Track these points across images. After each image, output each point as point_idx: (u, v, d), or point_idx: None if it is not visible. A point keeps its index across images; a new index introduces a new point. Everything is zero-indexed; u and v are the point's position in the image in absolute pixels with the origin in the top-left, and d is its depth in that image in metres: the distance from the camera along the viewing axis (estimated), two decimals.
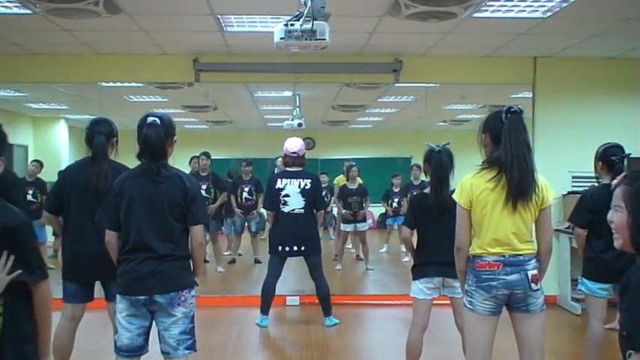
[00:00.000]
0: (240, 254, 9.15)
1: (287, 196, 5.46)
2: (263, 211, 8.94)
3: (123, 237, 3.02)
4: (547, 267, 2.99)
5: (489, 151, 2.96)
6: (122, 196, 2.99)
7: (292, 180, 5.48)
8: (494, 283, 2.86)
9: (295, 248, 5.44)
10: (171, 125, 3.05)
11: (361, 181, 8.55)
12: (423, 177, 7.83)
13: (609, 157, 3.80)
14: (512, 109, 2.86)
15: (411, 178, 8.99)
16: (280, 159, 8.53)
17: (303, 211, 5.44)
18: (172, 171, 3.02)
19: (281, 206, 5.46)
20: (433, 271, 3.69)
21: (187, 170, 7.49)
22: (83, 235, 3.62)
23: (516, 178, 2.81)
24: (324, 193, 8.53)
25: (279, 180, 5.51)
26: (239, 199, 8.56)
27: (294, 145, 5.58)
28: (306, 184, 5.46)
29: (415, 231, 3.93)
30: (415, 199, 4.05)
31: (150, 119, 2.96)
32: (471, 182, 2.92)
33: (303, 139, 5.92)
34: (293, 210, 5.45)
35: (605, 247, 3.74)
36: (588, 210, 3.83)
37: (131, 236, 2.96)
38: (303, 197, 5.44)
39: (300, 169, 5.57)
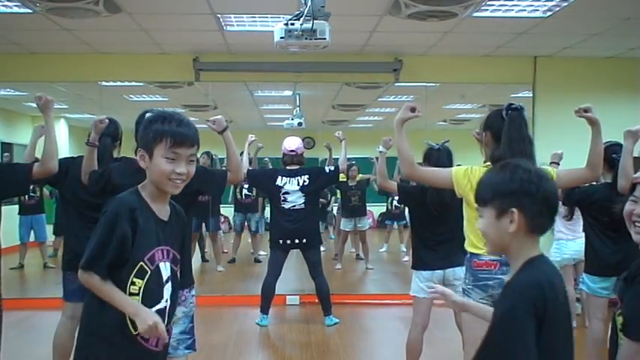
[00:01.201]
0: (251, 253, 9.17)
1: (287, 193, 5.47)
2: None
3: None
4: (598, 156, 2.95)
5: (491, 150, 2.94)
6: (120, 188, 2.98)
7: (291, 178, 5.50)
8: (491, 282, 2.86)
9: (297, 241, 5.46)
10: None
11: (360, 178, 8.55)
12: None
13: (610, 156, 3.79)
14: (513, 106, 2.85)
15: None
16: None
17: (304, 206, 5.46)
18: None
19: (281, 203, 5.48)
20: (436, 264, 3.69)
21: None
22: (83, 230, 3.64)
23: None
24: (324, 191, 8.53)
25: (279, 177, 5.52)
26: (239, 196, 8.57)
27: (292, 143, 5.61)
28: (304, 181, 5.48)
29: (411, 230, 3.94)
30: (418, 187, 3.87)
31: (148, 115, 2.95)
32: (478, 173, 2.87)
33: (303, 139, 5.93)
34: (293, 206, 5.46)
35: (602, 244, 3.77)
36: (588, 197, 3.83)
37: None
38: (302, 194, 5.46)
39: (299, 167, 5.59)
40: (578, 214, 4.44)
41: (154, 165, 2.00)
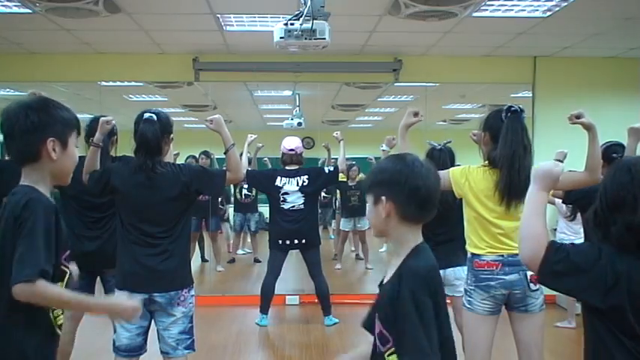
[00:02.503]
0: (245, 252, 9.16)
1: (286, 194, 5.48)
2: (263, 210, 8.99)
3: (122, 236, 3.02)
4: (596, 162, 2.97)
5: (489, 150, 2.95)
6: (118, 189, 3.00)
7: (290, 179, 5.51)
8: (493, 282, 2.86)
9: (296, 241, 5.47)
10: (168, 122, 3.05)
11: (360, 178, 8.53)
12: None
13: (610, 155, 3.79)
14: (513, 109, 2.85)
15: None
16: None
17: (303, 207, 5.47)
18: (168, 168, 3.02)
19: (281, 203, 5.48)
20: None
21: None
22: (83, 230, 3.68)
23: (510, 179, 2.81)
24: (324, 192, 8.52)
25: (278, 178, 5.53)
26: (238, 196, 8.57)
27: (291, 142, 5.63)
28: (304, 181, 5.48)
29: None
30: None
31: (146, 115, 2.97)
32: (475, 172, 2.90)
33: (303, 139, 5.93)
34: (293, 206, 5.47)
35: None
36: (588, 196, 3.82)
37: (131, 235, 2.96)
38: (302, 194, 5.47)
39: (298, 167, 5.59)
40: None
41: (67, 156, 1.79)
